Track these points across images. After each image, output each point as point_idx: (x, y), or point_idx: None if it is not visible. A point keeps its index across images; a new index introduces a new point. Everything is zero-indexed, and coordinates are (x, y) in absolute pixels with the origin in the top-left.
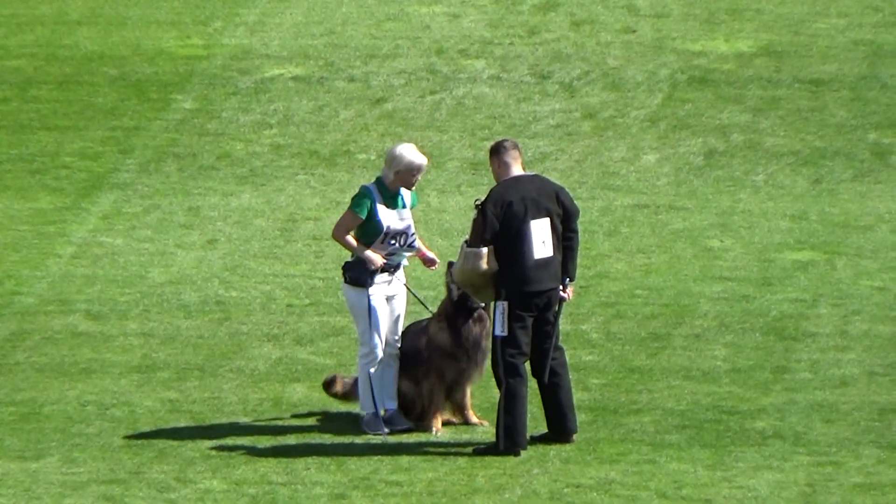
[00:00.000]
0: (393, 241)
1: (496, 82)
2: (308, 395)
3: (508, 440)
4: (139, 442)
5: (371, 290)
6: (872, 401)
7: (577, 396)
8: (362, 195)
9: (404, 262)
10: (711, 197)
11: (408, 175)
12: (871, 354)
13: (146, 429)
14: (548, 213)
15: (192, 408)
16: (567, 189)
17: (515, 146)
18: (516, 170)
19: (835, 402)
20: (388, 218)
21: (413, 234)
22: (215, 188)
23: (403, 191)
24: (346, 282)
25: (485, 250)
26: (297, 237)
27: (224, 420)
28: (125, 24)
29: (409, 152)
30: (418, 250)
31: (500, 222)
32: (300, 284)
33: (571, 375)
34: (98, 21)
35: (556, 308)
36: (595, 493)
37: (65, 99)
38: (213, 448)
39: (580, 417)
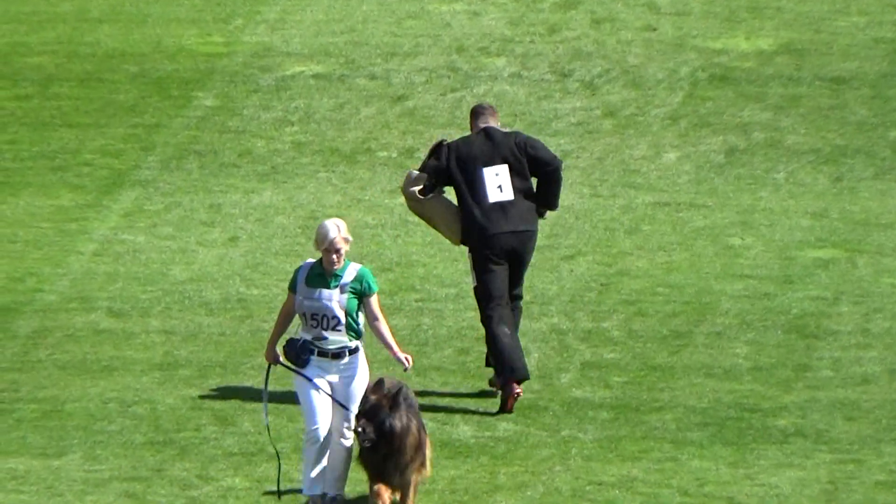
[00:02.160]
0: (314, 323)
1: (517, 80)
2: None
3: (507, 371)
4: (161, 439)
5: (308, 372)
6: (894, 399)
7: (599, 394)
8: (295, 270)
9: (351, 344)
10: (732, 195)
11: (321, 248)
12: (893, 352)
13: (168, 426)
14: (505, 160)
15: (213, 405)
16: (540, 141)
17: (494, 113)
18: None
19: (856, 399)
20: (305, 294)
21: (335, 316)
22: (237, 185)
23: (349, 272)
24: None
25: (415, 173)
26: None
27: (246, 417)
28: (146, 22)
29: (323, 227)
30: (388, 345)
31: (449, 165)
32: None
33: (592, 373)
34: (119, 18)
35: (527, 258)
36: (617, 491)
37: (86, 96)
38: (235, 445)
39: (602, 415)
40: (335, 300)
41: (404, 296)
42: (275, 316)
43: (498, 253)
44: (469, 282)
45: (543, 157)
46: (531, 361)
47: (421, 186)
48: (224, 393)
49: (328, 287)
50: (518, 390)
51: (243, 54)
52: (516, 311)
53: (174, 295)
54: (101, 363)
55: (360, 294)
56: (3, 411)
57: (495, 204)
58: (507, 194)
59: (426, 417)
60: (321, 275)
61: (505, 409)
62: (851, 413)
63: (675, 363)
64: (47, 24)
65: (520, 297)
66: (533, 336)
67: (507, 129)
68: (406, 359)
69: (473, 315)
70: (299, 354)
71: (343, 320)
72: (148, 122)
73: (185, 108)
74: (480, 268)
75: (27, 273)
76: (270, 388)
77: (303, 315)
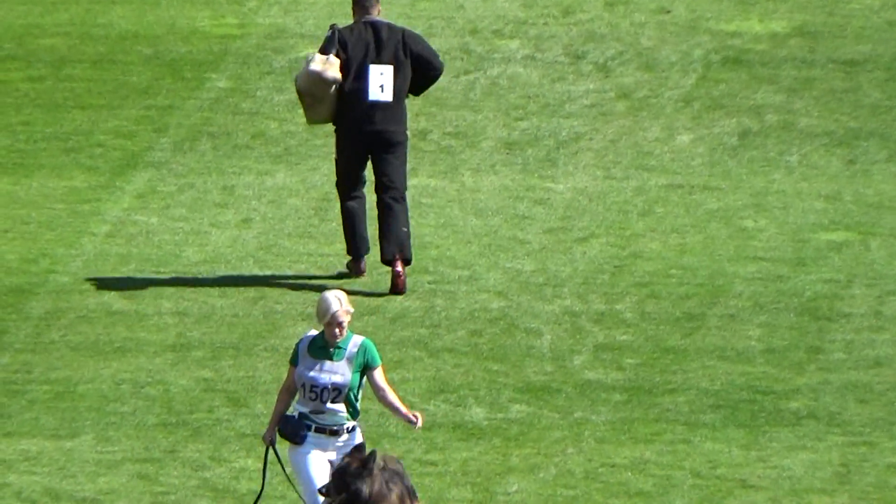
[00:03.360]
0: (313, 395)
1: (530, 62)
2: None
3: (353, 250)
4: (174, 420)
5: (305, 448)
6: None
7: (612, 376)
8: (296, 343)
9: (348, 424)
10: (745, 177)
11: (324, 322)
12: None
13: (181, 407)
14: (391, 61)
15: (226, 387)
16: (424, 39)
17: (377, 2)
18: (372, 14)
19: (869, 382)
20: (306, 366)
21: (336, 388)
22: (250, 167)
23: (352, 344)
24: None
25: (333, 59)
26: (332, 216)
27: (259, 399)
28: (159, 4)
29: (325, 301)
30: (397, 409)
31: (343, 52)
32: (334, 263)
33: (605, 355)
34: (132, 0)
35: (399, 149)
36: (630, 473)
37: (99, 78)
38: (247, 427)
39: (615, 397)
40: (338, 373)
41: (417, 277)
42: (287, 297)
43: (367, 146)
44: (478, 269)
45: (428, 59)
46: (544, 343)
47: (338, 74)
48: (237, 374)
49: (331, 359)
50: (363, 269)
51: (257, 36)
52: (403, 203)
53: (187, 276)
54: (114, 344)
55: (364, 367)
56: (15, 392)
57: (374, 103)
58: (387, 95)
59: (438, 399)
60: (324, 347)
61: (356, 273)
62: (864, 395)
63: (688, 345)
64: (60, 5)
65: (403, 190)
66: (545, 318)
67: (389, 22)
68: (415, 415)
69: (486, 297)
70: (296, 431)
71: (344, 393)
72: (161, 103)
73: (198, 89)
74: (347, 154)
75: (40, 254)
76: None
77: (302, 386)
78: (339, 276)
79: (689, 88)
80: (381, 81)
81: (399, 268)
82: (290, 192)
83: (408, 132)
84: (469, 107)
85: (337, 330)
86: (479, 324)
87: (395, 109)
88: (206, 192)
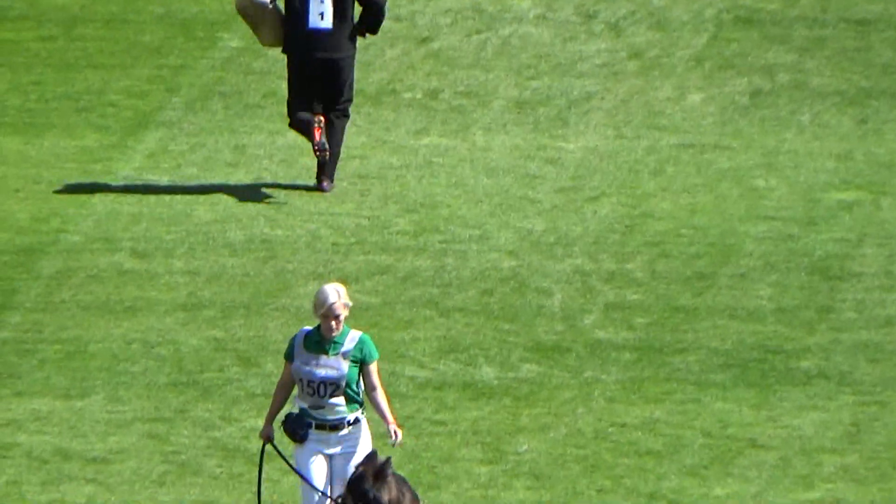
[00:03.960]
0: (310, 391)
1: (542, 22)
2: None
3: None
4: (184, 380)
5: (307, 447)
6: None
7: (622, 336)
8: (290, 338)
9: (349, 417)
10: (757, 136)
11: (319, 314)
12: None
13: (191, 367)
14: None
15: (237, 346)
16: None
17: None
18: None
19: (880, 341)
20: (302, 361)
21: (333, 383)
22: (261, 126)
23: (349, 339)
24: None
25: None
26: (343, 175)
27: (269, 358)
28: None
29: (323, 292)
30: (383, 415)
31: None
32: (345, 223)
33: (615, 315)
34: None
35: (344, 75)
36: (639, 433)
37: (111, 37)
38: (258, 387)
39: (625, 357)
40: (334, 367)
41: (428, 237)
42: (298, 256)
43: (311, 73)
44: (488, 225)
45: None
46: (554, 302)
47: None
48: (247, 334)
49: (327, 354)
50: (326, 185)
51: None
52: (343, 120)
53: (198, 235)
54: (125, 304)
55: (361, 362)
56: (26, 352)
57: (314, 30)
58: (327, 22)
59: (448, 359)
60: (319, 342)
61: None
62: (874, 355)
63: (699, 305)
64: None
65: (344, 110)
66: (556, 277)
67: None
68: (395, 432)
69: (497, 256)
70: (296, 430)
71: (341, 387)
72: (173, 63)
73: (210, 49)
74: (293, 82)
75: (51, 213)
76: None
77: (300, 381)
78: (350, 236)
79: (701, 48)
80: (320, 9)
81: (326, 186)
82: (301, 152)
83: (354, 58)
84: (480, 66)
85: (333, 323)
86: (490, 283)
87: (337, 37)
88: (217, 152)
